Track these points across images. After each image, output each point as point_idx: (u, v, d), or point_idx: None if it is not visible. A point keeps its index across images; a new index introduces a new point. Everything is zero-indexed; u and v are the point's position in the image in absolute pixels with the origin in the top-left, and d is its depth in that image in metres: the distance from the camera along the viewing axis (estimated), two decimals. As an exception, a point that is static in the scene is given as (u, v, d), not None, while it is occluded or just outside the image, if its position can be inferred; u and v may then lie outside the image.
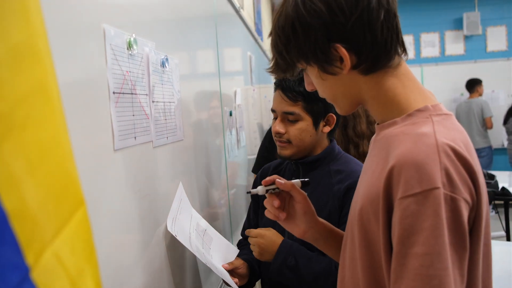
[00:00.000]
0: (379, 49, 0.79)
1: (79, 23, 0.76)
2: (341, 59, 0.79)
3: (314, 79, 0.86)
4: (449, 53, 7.37)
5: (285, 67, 0.87)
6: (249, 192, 1.07)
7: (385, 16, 0.77)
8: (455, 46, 7.36)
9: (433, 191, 0.67)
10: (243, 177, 2.66)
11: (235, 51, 2.72)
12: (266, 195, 0.99)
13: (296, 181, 1.01)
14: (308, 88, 0.91)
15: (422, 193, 0.68)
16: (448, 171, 0.68)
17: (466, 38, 7.30)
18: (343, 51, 0.77)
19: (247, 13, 3.39)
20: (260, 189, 1.00)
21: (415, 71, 7.30)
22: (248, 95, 3.10)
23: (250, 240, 1.38)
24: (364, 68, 0.80)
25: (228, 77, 2.34)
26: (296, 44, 0.81)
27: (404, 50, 0.83)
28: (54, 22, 0.69)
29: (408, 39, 7.37)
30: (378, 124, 0.86)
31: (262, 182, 1.01)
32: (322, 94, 0.89)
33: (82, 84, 0.76)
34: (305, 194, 1.00)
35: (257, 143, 3.25)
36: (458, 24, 7.28)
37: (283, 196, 1.01)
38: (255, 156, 2.64)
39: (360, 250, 0.80)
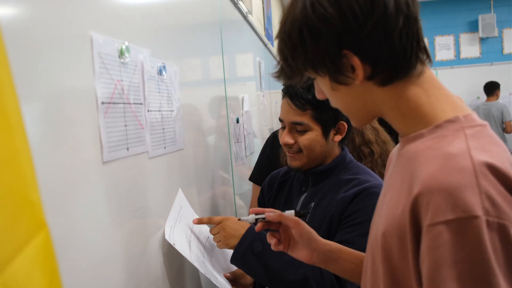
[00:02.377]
0: (397, 59, 0.70)
1: (64, 31, 0.73)
2: (353, 68, 0.71)
3: (325, 89, 0.78)
4: (465, 56, 7.25)
5: (290, 74, 0.79)
6: (240, 219, 1.16)
7: (404, 23, 0.69)
8: (470, 48, 7.24)
9: (472, 221, 0.58)
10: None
11: (242, 57, 2.69)
12: (258, 223, 1.02)
13: (289, 212, 1.03)
14: (319, 96, 0.82)
15: (456, 221, 0.59)
16: (490, 195, 0.60)
17: (482, 40, 7.17)
18: (355, 60, 0.70)
19: (256, 18, 3.35)
20: (250, 218, 1.05)
21: (429, 74, 7.14)
22: (258, 101, 3.06)
23: (212, 230, 1.28)
24: (380, 79, 0.72)
25: (235, 84, 2.31)
26: (304, 52, 0.73)
27: (428, 57, 0.74)
28: (36, 30, 0.66)
29: (422, 42, 7.26)
30: (402, 137, 0.77)
31: (252, 211, 1.04)
32: (334, 105, 0.81)
33: (67, 94, 0.73)
34: (297, 219, 0.98)
35: (267, 149, 3.20)
36: (473, 26, 7.16)
37: (283, 227, 1.01)
38: None
39: (384, 279, 0.72)
